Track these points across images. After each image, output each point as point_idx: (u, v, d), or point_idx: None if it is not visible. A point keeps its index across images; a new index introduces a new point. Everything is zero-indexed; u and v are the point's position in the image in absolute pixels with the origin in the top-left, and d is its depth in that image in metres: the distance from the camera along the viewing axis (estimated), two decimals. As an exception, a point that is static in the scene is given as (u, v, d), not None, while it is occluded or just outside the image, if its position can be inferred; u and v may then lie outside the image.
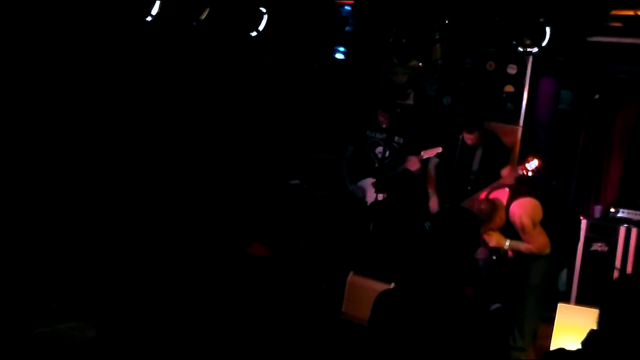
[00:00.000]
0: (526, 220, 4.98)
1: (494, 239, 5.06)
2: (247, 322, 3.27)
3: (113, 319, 4.76)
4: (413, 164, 6.45)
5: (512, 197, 5.08)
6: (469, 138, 6.22)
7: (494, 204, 5.05)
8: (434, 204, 6.44)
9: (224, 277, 3.06)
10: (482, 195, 5.32)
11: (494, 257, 5.40)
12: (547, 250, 5.06)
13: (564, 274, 6.76)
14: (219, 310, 3.19)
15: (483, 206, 5.01)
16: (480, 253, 5.69)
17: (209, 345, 3.42)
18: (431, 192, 6.50)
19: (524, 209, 5.01)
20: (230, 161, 7.17)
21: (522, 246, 5.06)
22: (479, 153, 6.25)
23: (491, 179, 5.84)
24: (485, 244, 5.23)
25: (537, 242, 5.03)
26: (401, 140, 6.91)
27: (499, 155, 6.19)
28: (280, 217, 3.01)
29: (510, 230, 5.06)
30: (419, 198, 6.76)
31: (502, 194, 5.12)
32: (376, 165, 6.92)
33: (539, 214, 5.05)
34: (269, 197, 3.09)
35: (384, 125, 6.90)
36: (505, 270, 5.50)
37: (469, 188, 6.18)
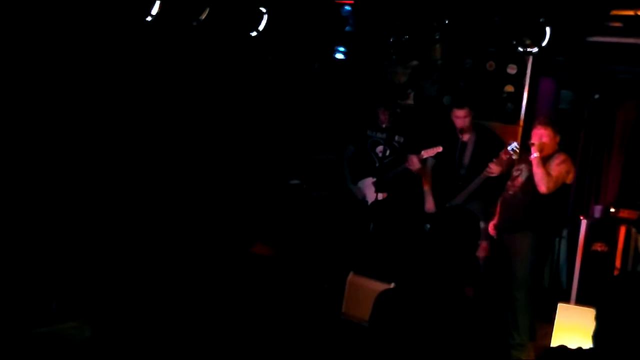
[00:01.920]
0: (568, 164, 5.38)
1: (537, 146, 5.32)
2: (248, 321, 3.28)
3: (110, 319, 4.76)
4: (413, 164, 6.44)
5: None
6: (459, 116, 6.02)
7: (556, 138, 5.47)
8: (429, 204, 6.44)
9: (226, 277, 3.07)
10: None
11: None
12: (552, 188, 5.28)
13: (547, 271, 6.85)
14: (220, 309, 3.20)
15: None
16: (481, 251, 5.74)
17: (210, 344, 3.43)
18: (427, 192, 6.50)
19: (571, 162, 5.46)
20: (231, 161, 7.17)
21: (544, 169, 5.28)
22: (470, 147, 6.21)
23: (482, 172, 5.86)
24: (486, 242, 5.51)
25: (557, 178, 5.31)
26: (401, 140, 6.92)
27: (492, 149, 6.15)
28: (281, 217, 3.02)
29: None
30: (419, 198, 6.76)
31: None
32: (377, 164, 6.92)
33: (572, 176, 5.48)
34: (270, 198, 3.11)
35: (384, 125, 6.90)
36: (501, 269, 5.56)
37: (460, 183, 6.16)
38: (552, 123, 5.49)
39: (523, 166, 5.50)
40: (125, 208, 6.17)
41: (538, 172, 5.27)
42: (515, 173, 5.56)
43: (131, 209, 6.21)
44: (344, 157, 7.19)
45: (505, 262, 5.50)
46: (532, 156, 5.31)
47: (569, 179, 5.42)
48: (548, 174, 5.27)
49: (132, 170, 6.23)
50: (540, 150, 5.30)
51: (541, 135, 5.36)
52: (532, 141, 5.36)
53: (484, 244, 5.76)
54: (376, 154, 6.96)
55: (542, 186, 5.25)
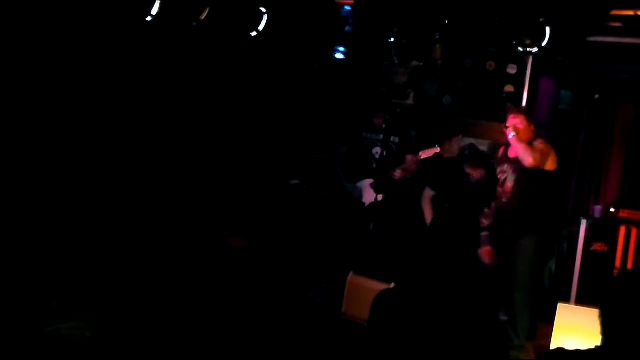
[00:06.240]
0: (548, 147, 5.30)
1: (511, 128, 5.27)
2: (249, 321, 3.29)
3: (109, 318, 4.76)
4: (409, 166, 6.50)
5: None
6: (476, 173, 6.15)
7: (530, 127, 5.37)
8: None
9: (223, 276, 3.08)
10: None
11: None
12: (539, 159, 5.18)
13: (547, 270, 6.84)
14: (220, 310, 3.20)
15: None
16: (487, 257, 5.73)
17: (211, 344, 3.43)
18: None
19: (551, 147, 5.35)
20: (231, 161, 7.18)
21: (524, 144, 5.20)
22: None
23: None
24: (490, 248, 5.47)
25: (541, 151, 5.21)
26: (397, 140, 6.91)
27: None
28: (280, 217, 3.03)
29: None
30: (416, 198, 6.76)
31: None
32: (374, 166, 6.92)
33: (553, 163, 5.32)
34: (269, 197, 3.11)
35: (383, 126, 6.90)
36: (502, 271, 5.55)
37: None
38: (525, 113, 5.46)
39: (507, 167, 5.40)
40: (126, 208, 6.18)
41: (519, 147, 5.20)
42: (501, 176, 5.46)
43: (131, 210, 6.21)
44: (337, 157, 7.19)
45: (506, 263, 5.48)
46: (509, 137, 5.26)
47: (551, 165, 5.32)
48: (529, 147, 5.21)
49: (132, 170, 6.24)
50: (516, 132, 5.25)
51: (515, 124, 5.30)
52: (507, 124, 5.34)
53: (488, 249, 5.74)
54: (373, 156, 6.96)
55: (528, 158, 5.16)
